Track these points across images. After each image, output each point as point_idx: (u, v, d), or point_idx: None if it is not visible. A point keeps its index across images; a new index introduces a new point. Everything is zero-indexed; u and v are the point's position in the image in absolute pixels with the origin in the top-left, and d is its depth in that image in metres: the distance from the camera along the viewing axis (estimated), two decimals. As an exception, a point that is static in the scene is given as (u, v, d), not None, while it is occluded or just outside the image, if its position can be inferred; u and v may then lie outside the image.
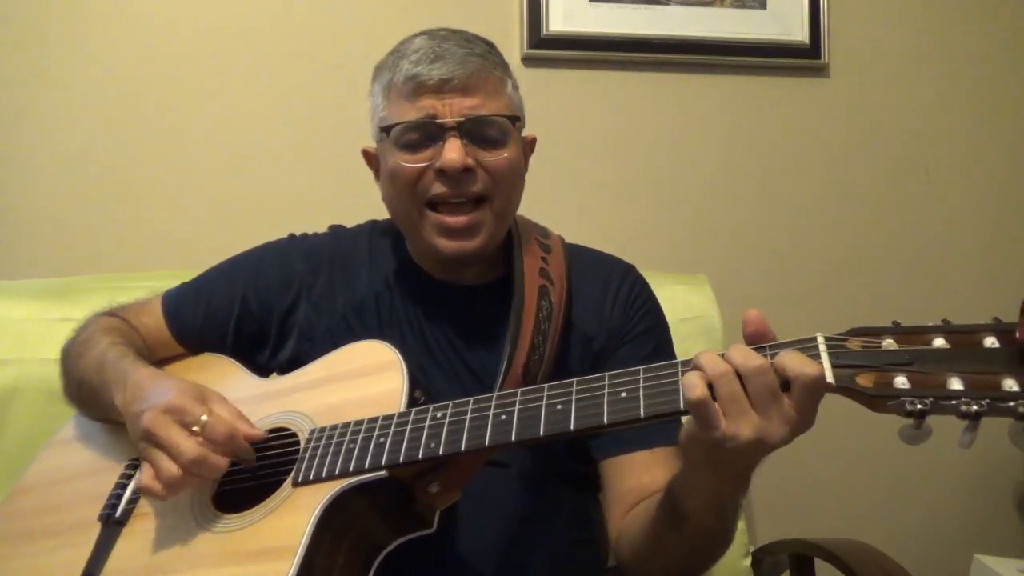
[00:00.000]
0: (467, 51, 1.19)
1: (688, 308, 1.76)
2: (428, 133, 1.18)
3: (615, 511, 1.22)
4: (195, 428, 1.04)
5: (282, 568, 0.94)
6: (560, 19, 2.00)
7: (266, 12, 1.94)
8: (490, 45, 1.25)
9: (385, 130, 1.19)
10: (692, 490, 0.99)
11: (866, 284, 2.14)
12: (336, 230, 1.42)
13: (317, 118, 1.96)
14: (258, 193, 1.94)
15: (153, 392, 1.10)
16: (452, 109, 1.17)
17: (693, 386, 0.85)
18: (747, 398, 0.84)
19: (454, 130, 1.17)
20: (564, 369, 1.23)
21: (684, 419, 0.91)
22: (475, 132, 1.18)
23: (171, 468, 1.03)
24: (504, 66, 1.25)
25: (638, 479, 1.20)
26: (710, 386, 0.85)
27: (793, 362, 0.83)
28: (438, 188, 1.18)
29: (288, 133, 1.95)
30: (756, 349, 0.87)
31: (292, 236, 1.41)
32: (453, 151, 1.16)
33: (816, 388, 0.82)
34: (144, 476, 1.07)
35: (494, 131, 1.21)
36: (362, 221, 1.44)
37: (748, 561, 1.68)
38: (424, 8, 1.97)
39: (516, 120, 1.23)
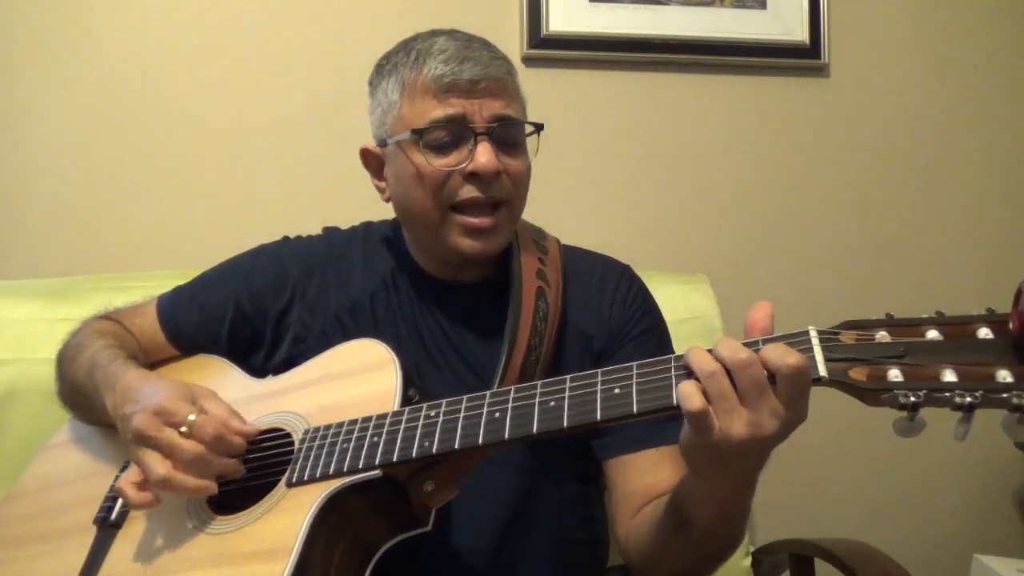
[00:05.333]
0: (492, 55, 1.20)
1: (688, 308, 1.75)
2: (457, 135, 1.17)
3: (622, 512, 1.22)
4: (183, 429, 1.04)
5: (277, 569, 0.94)
6: (560, 19, 1.99)
7: (265, 13, 1.94)
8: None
9: (417, 132, 1.16)
10: (697, 496, 0.99)
11: (866, 284, 2.14)
12: (330, 231, 1.42)
13: (315, 120, 1.96)
14: (256, 194, 1.94)
15: (142, 394, 1.09)
16: (482, 111, 1.17)
17: (690, 396, 0.84)
18: (736, 393, 0.84)
19: (485, 134, 1.16)
20: (562, 370, 1.22)
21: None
22: (502, 136, 1.18)
23: (159, 469, 1.02)
24: (516, 73, 1.25)
25: (643, 479, 1.20)
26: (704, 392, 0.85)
27: (775, 353, 0.82)
28: (468, 192, 1.17)
29: (286, 134, 1.95)
30: (746, 344, 0.86)
31: (286, 238, 1.41)
32: (487, 155, 1.16)
33: (799, 377, 0.82)
34: (123, 479, 1.07)
35: (518, 135, 1.22)
36: (356, 223, 1.44)
37: (748, 561, 1.67)
38: (424, 8, 1.97)
39: (542, 128, 1.23)
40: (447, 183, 1.18)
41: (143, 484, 1.06)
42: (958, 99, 2.17)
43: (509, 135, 1.20)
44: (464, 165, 1.16)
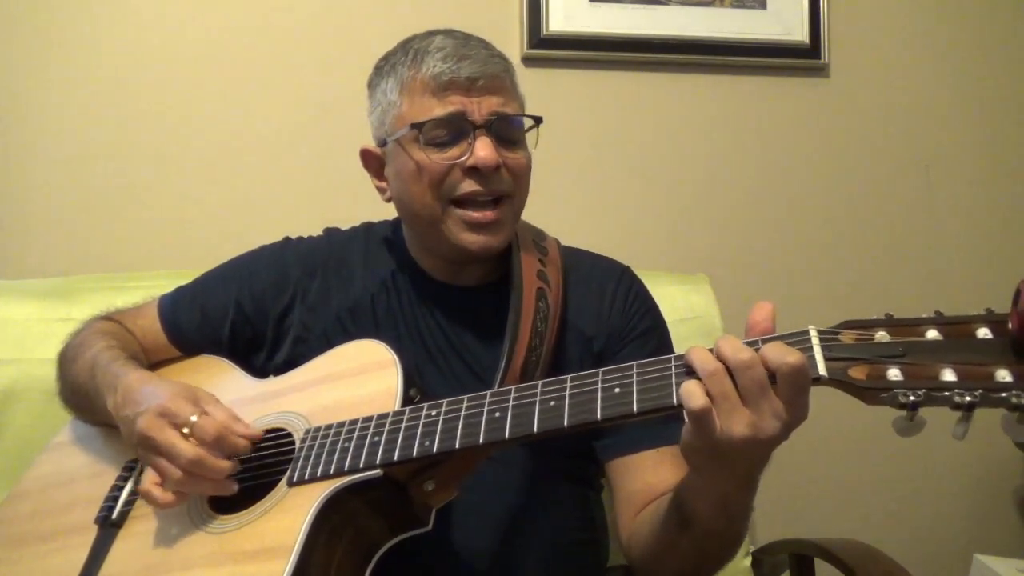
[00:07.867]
0: (489, 52, 1.21)
1: (688, 308, 1.75)
2: (457, 130, 1.17)
3: (625, 512, 1.22)
4: (185, 429, 1.04)
5: (278, 568, 0.94)
6: (560, 19, 2.00)
7: (266, 14, 1.94)
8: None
9: (416, 127, 1.17)
10: (698, 494, 0.99)
11: (867, 283, 2.14)
12: (331, 232, 1.42)
13: (315, 120, 1.96)
14: (257, 194, 1.94)
15: (145, 396, 1.10)
16: (481, 107, 1.17)
17: (693, 395, 0.84)
18: (737, 394, 0.84)
19: (484, 128, 1.17)
20: (562, 371, 1.22)
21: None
22: (501, 131, 1.19)
23: (176, 473, 1.03)
24: (514, 71, 1.26)
25: (646, 479, 1.20)
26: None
27: (774, 353, 0.82)
28: (468, 186, 1.18)
29: (287, 135, 1.95)
30: (747, 343, 0.86)
31: (287, 239, 1.41)
32: (487, 149, 1.16)
33: (798, 376, 0.82)
34: (146, 481, 1.07)
35: (517, 131, 1.22)
36: (357, 223, 1.44)
37: (748, 561, 1.67)
38: (424, 8, 1.97)
39: (541, 121, 1.24)
40: (447, 177, 1.18)
41: (163, 484, 1.07)
42: (957, 99, 2.18)
43: (508, 131, 1.20)
44: (464, 159, 1.17)
